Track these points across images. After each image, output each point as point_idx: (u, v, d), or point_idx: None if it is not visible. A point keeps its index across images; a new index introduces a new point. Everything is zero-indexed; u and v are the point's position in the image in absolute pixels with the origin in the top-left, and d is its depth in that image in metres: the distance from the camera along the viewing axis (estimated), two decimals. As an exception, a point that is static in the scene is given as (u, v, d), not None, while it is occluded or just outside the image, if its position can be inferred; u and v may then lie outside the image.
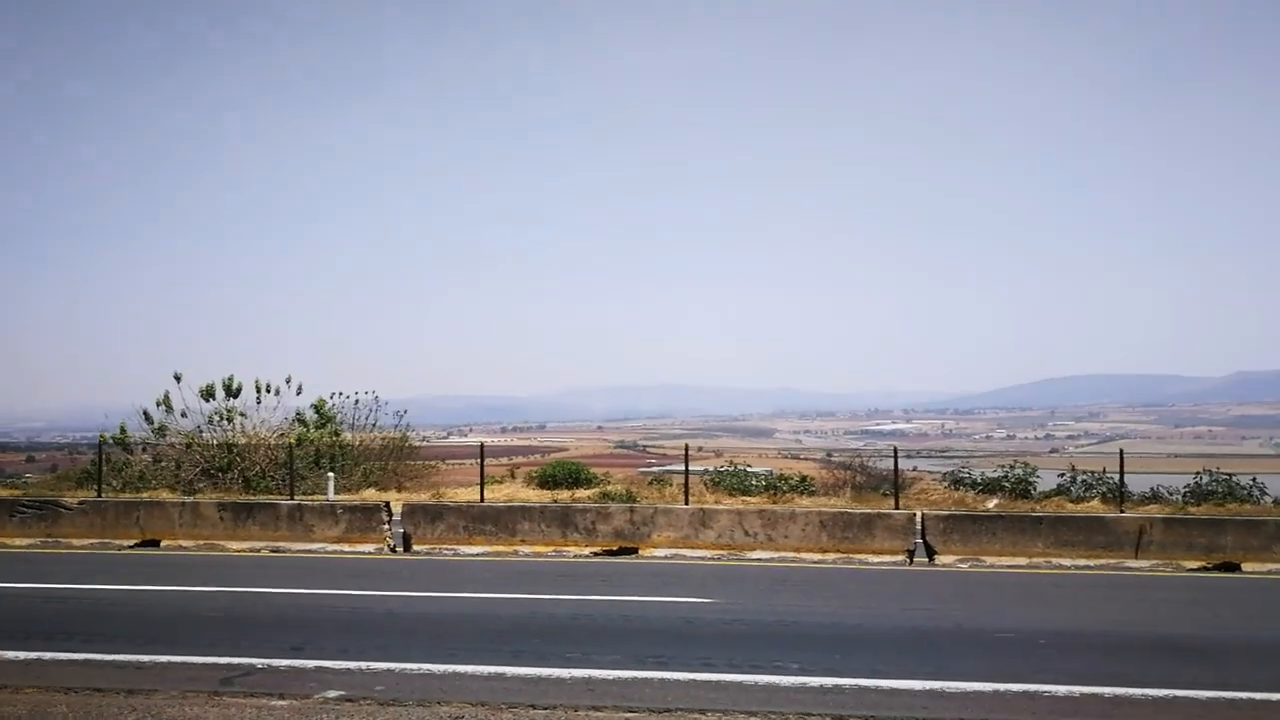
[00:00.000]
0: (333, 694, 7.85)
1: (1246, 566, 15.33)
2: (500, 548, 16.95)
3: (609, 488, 30.28)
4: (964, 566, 15.68)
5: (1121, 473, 21.09)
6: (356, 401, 38.06)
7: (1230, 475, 28.24)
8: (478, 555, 16.57)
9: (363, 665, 8.78)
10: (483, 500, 18.83)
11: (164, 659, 9.02)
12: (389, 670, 8.64)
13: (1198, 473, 28.53)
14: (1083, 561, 15.66)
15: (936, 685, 8.12)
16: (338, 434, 36.29)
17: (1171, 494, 28.44)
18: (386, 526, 17.47)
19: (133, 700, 7.62)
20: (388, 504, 18.19)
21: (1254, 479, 28.17)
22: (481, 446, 21.79)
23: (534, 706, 7.52)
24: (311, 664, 8.85)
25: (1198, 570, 15.28)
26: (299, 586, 13.39)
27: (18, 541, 18.03)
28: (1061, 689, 8.02)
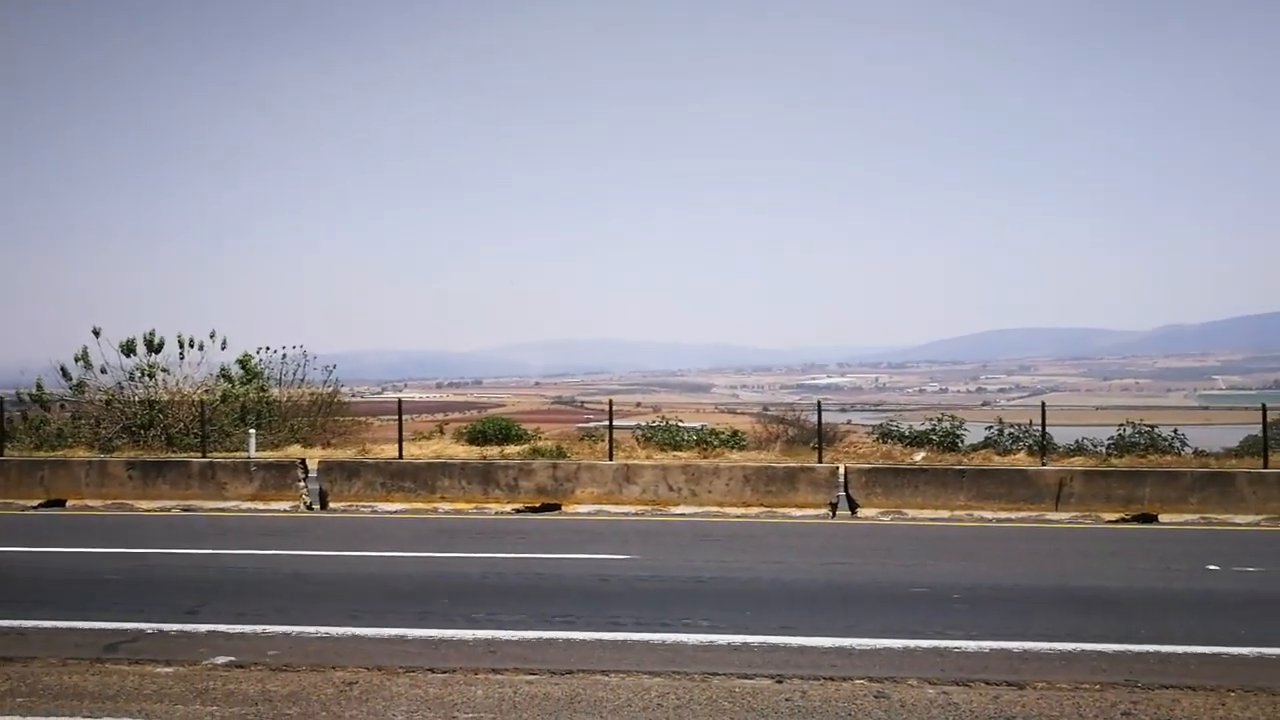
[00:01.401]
0: (222, 660, 7.53)
1: (1164, 518, 15.46)
2: (419, 505, 16.62)
3: (540, 444, 29.99)
4: (886, 519, 15.65)
5: (1044, 425, 21.23)
6: (284, 357, 37.37)
7: (1153, 427, 28.65)
8: (395, 513, 16.24)
9: (258, 629, 8.46)
10: (401, 456, 18.47)
11: (50, 625, 8.62)
12: (285, 634, 8.32)
13: (1121, 424, 28.93)
14: (1004, 514, 15.70)
15: (846, 642, 7.99)
16: (264, 390, 35.57)
17: (1096, 446, 28.82)
18: (302, 484, 17.04)
19: (8, 669, 7.26)
20: (303, 461, 17.75)
21: (1175, 430, 28.62)
22: (399, 402, 21.38)
23: (432, 670, 7.27)
24: (205, 628, 8.51)
25: (1116, 522, 15.39)
26: (204, 547, 12.98)
27: (-85, 503, 17.36)
28: (971, 644, 7.93)
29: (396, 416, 21.42)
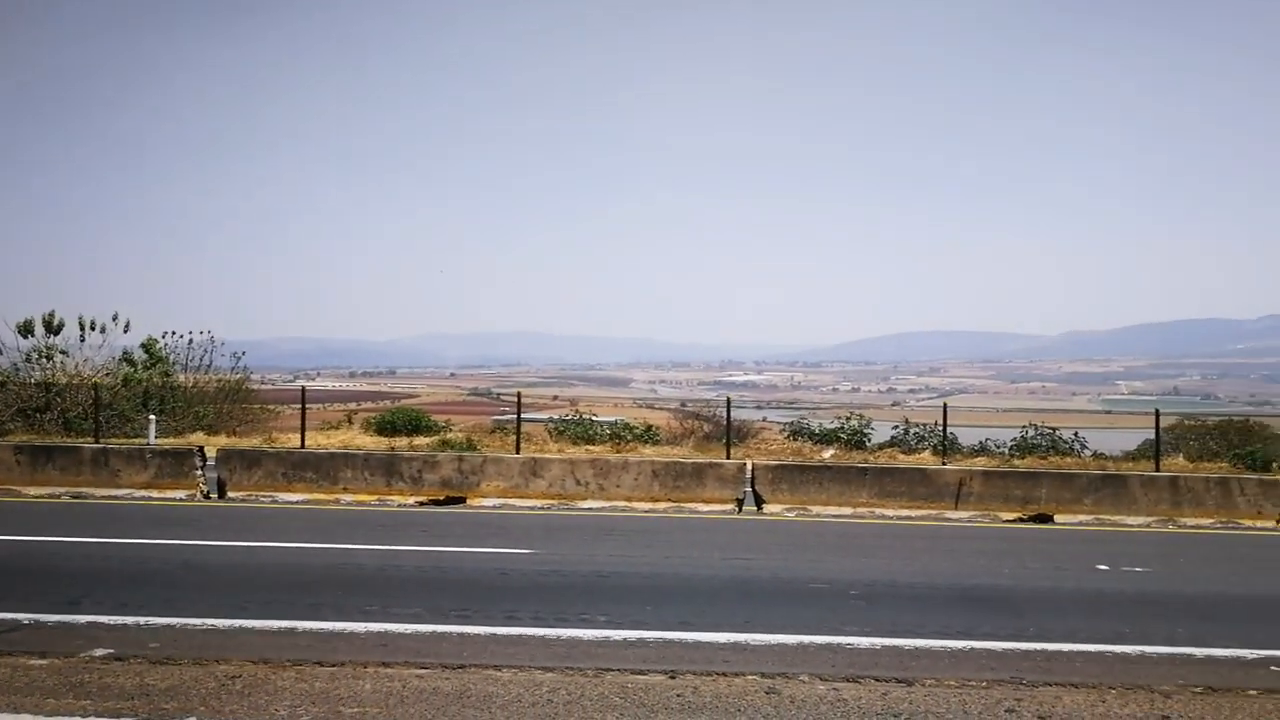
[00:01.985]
0: (100, 652, 7.27)
1: (1059, 518, 15.80)
2: (321, 496, 16.33)
3: (450, 436, 29.71)
4: (791, 516, 15.76)
5: (945, 426, 21.59)
6: (191, 342, 36.54)
7: (1055, 429, 29.32)
8: (296, 503, 15.94)
9: (141, 620, 8.19)
10: (304, 446, 18.14)
11: (-81, 616, 8.27)
12: (169, 626, 8.07)
13: (1024, 426, 29.57)
14: (905, 512, 15.91)
15: (742, 638, 7.99)
16: (169, 375, 34.75)
17: (999, 447, 29.41)
18: (200, 472, 16.64)
19: None
20: (201, 449, 17.33)
21: (1076, 433, 29.30)
22: (303, 390, 21.02)
23: (320, 664, 7.10)
24: (85, 619, 8.22)
25: (1013, 521, 15.69)
26: (92, 535, 12.58)
27: None
28: (865, 641, 7.98)
29: (309, 405, 21.04)
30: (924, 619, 8.82)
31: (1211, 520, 15.72)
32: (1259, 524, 15.71)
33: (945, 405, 20.81)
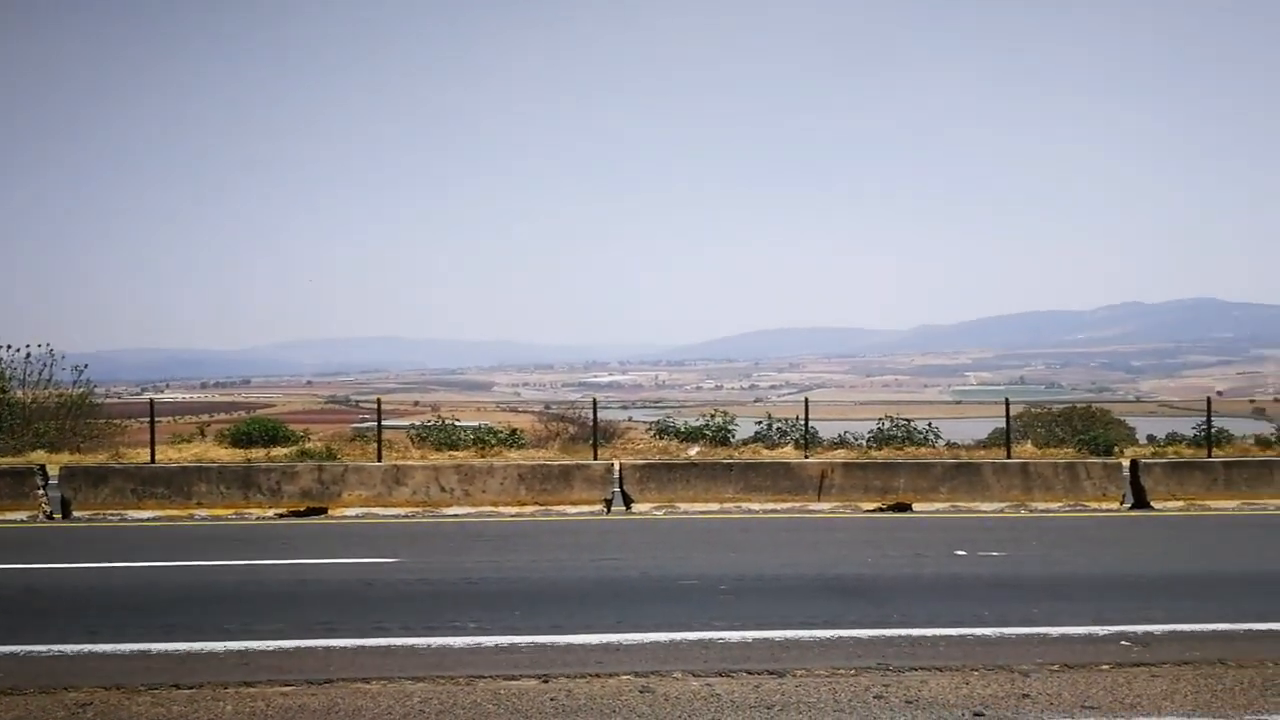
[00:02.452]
0: (-64, 686, 6.84)
1: (917, 507, 16.25)
2: (174, 512, 15.71)
3: (309, 445, 29.04)
4: (659, 514, 15.84)
5: (806, 420, 22.03)
6: (29, 356, 34.93)
7: (909, 421, 30.26)
8: (147, 521, 15.30)
9: (-20, 651, 7.75)
10: (154, 460, 17.44)
11: None
12: (11, 654, 7.64)
13: (880, 419, 30.43)
14: (770, 505, 16.15)
15: (614, 638, 7.98)
16: (4, 391, 33.15)
17: (857, 439, 30.21)
18: (41, 492, 15.83)
19: None
20: (43, 467, 16.49)
21: (930, 424, 30.29)
22: (151, 402, 20.25)
23: (178, 686, 6.83)
24: (-82, 652, 7.73)
25: (874, 511, 16.07)
26: (-75, 563, 11.87)
27: None
28: (735, 635, 8.05)
29: (157, 419, 20.24)
30: (792, 610, 8.95)
31: (1060, 504, 16.38)
32: (1104, 505, 16.43)
33: (807, 400, 21.24)
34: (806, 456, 19.21)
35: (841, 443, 29.42)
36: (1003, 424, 33.13)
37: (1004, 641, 7.93)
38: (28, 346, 34.86)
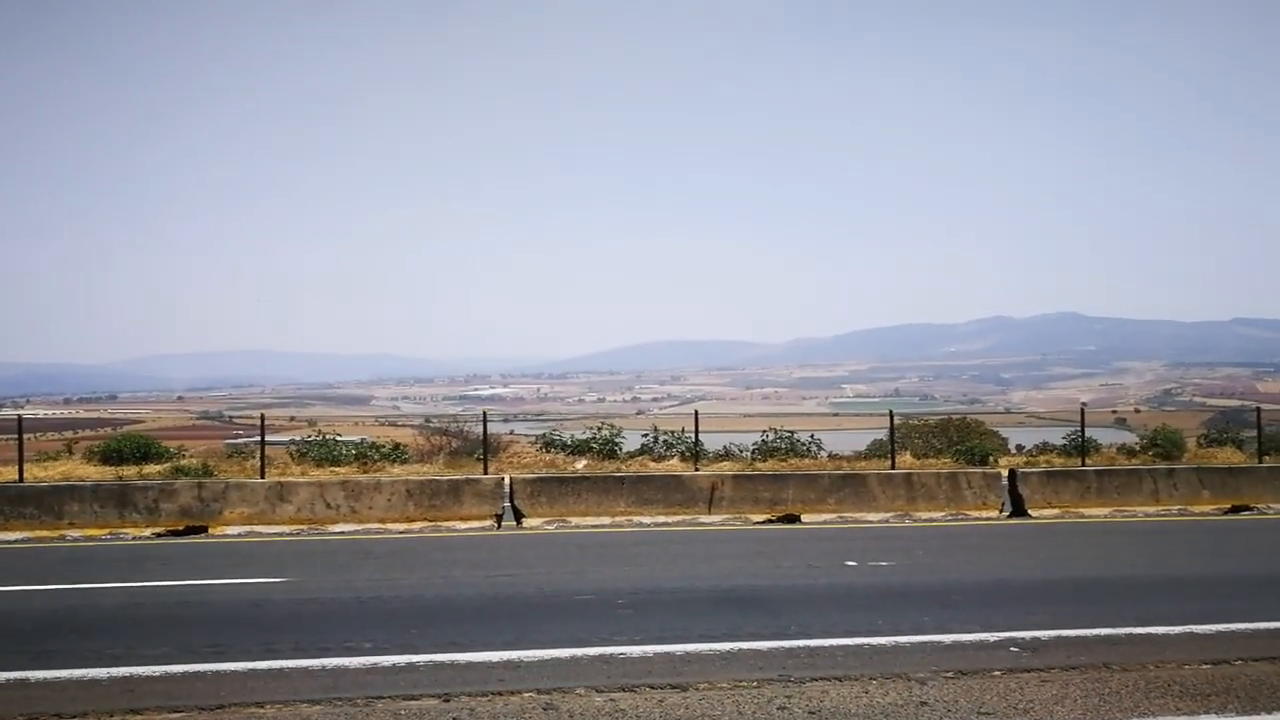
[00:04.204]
0: None
1: (806, 517, 16.51)
2: (44, 533, 15.07)
3: (183, 462, 28.06)
4: (551, 528, 15.78)
5: (696, 433, 22.16)
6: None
7: (793, 433, 30.59)
8: (14, 543, 14.64)
9: None
10: (22, 479, 16.70)
11: None
12: (-128, 689, 7.22)
13: (764, 431, 30.74)
14: (662, 518, 16.22)
15: (513, 655, 7.90)
16: None
17: (742, 451, 30.43)
18: (-102, 515, 15.03)
19: None
20: (-102, 489, 15.67)
21: (812, 435, 30.67)
22: (20, 418, 19.39)
23: (59, 716, 6.54)
24: None
25: (764, 523, 16.27)
26: None
27: None
28: (636, 649, 8.05)
29: (14, 436, 19.33)
30: (690, 624, 8.99)
31: (944, 513, 16.82)
32: (984, 514, 16.92)
33: (697, 413, 21.42)
34: (696, 469, 19.33)
35: (727, 455, 29.63)
36: (881, 435, 33.84)
37: (899, 650, 8.08)
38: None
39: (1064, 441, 30.78)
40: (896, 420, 23.64)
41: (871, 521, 16.40)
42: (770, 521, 16.36)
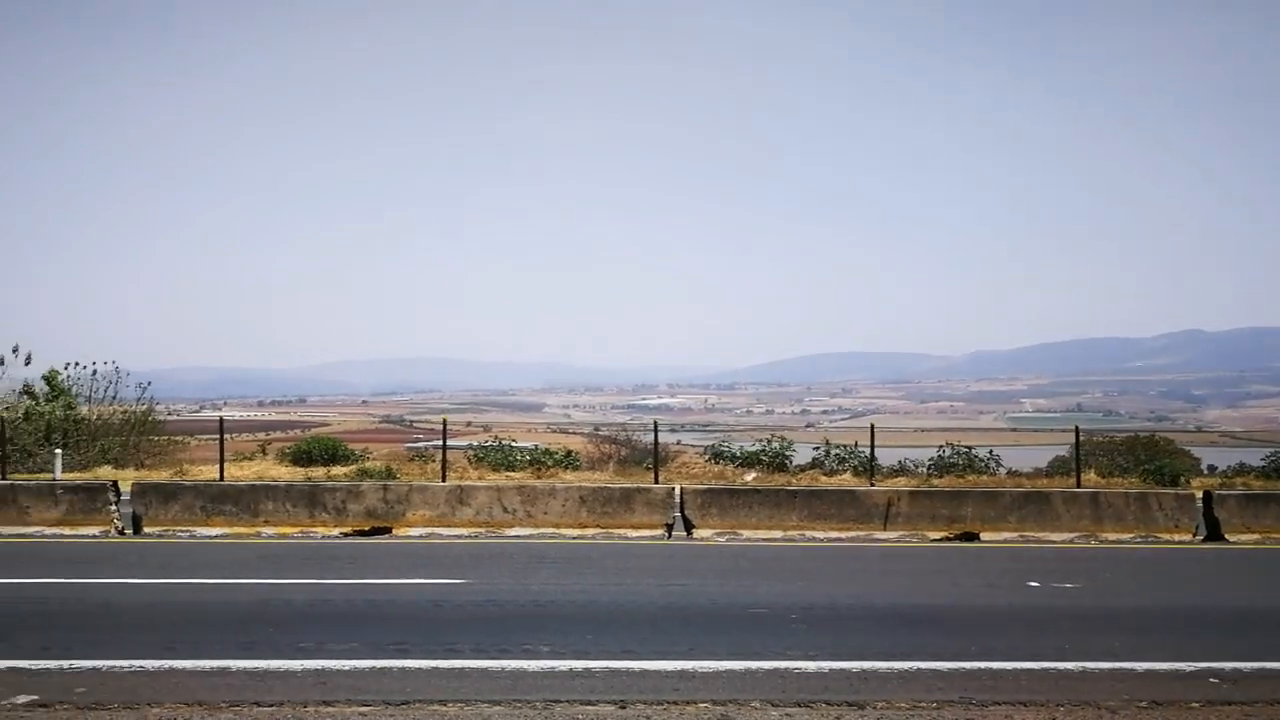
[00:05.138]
0: (23, 699, 6.93)
1: (985, 536, 16.03)
2: (242, 529, 15.89)
3: (368, 464, 29.28)
4: (721, 540, 15.76)
5: (872, 447, 21.81)
6: (95, 373, 35.56)
7: (970, 448, 29.89)
8: (216, 538, 15.48)
9: (64, 664, 7.84)
10: (222, 478, 17.65)
11: None
12: (94, 669, 7.73)
13: (940, 446, 30.08)
14: (835, 534, 16.00)
15: (688, 665, 7.92)
16: (72, 407, 33.76)
17: (917, 466, 29.88)
18: (114, 507, 16.09)
19: None
20: (115, 483, 16.76)
21: (991, 451, 29.91)
22: (221, 420, 20.53)
23: (258, 704, 6.86)
24: (4, 665, 7.83)
25: (941, 540, 15.87)
26: (3, 576, 12.06)
27: None
28: (811, 665, 7.96)
29: (215, 436, 20.51)
30: (867, 641, 8.84)
31: (1131, 535, 16.07)
32: (1176, 537, 16.10)
33: (873, 426, 21.07)
34: (871, 484, 19.02)
35: (901, 470, 29.16)
36: (1062, 451, 32.67)
37: (1087, 676, 7.76)
38: (94, 364, 35.50)
39: (1263, 463, 29.13)
40: (1080, 437, 22.76)
41: (1054, 541, 15.80)
42: (948, 539, 15.95)
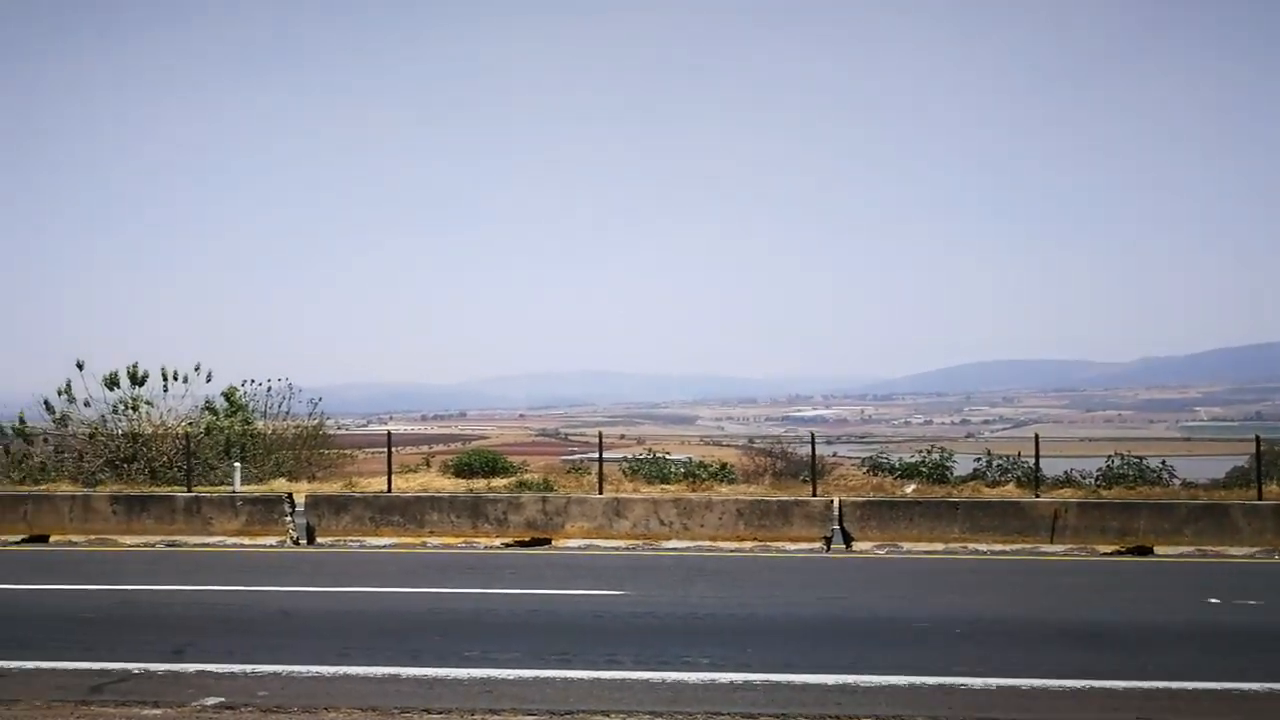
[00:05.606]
0: (211, 701, 7.32)
1: (1159, 549, 15.35)
2: (408, 539, 16.39)
3: (526, 476, 29.79)
4: (881, 553, 15.51)
5: (1037, 457, 21.16)
6: (269, 389, 37.10)
7: (1141, 459, 28.65)
8: (384, 547, 16.00)
9: (248, 668, 8.24)
10: (390, 490, 18.25)
11: (31, 665, 8.38)
12: (275, 674, 8.10)
13: (1109, 456, 28.91)
14: (999, 546, 15.57)
15: (850, 679, 7.82)
16: (249, 422, 35.27)
17: (1084, 478, 28.78)
18: (289, 518, 16.80)
19: (-10, 711, 7.03)
20: (290, 495, 17.52)
21: (1163, 462, 28.61)
22: (389, 435, 21.25)
23: (428, 711, 7.08)
24: (193, 668, 8.28)
25: (1112, 554, 15.27)
26: (189, 583, 12.72)
27: (-106, 539, 17.00)
28: (978, 681, 7.77)
29: (380, 449, 21.23)
30: (1036, 657, 8.58)
31: (1319, 550, 15.18)
32: (1371, 553, 15.13)
33: (1037, 436, 20.44)
34: (1037, 495, 18.43)
35: (1068, 481, 28.14)
36: (1241, 462, 31.01)
37: (1274, 697, 7.39)
38: (268, 380, 37.07)
39: None
40: (1262, 446, 21.56)
41: (1235, 556, 15.02)
42: (1119, 553, 15.34)
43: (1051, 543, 15.62)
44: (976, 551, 15.40)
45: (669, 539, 16.26)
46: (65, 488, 23.49)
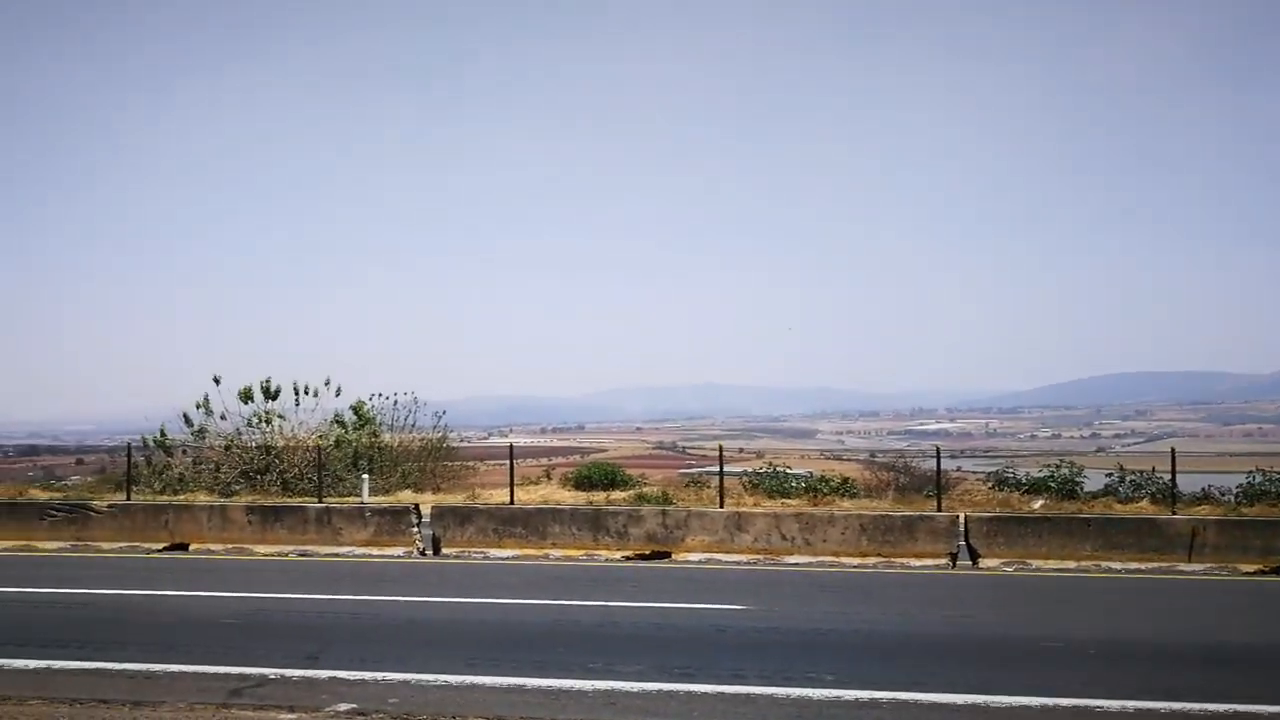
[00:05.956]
0: (344, 707, 7.51)
1: (1306, 570, 14.68)
2: (530, 551, 16.59)
3: (645, 489, 29.81)
4: (1009, 570, 15.15)
5: (1174, 472, 20.40)
6: (395, 403, 37.90)
7: (1285, 474, 27.40)
8: (507, 559, 16.22)
9: (378, 676, 8.43)
10: (512, 502, 18.47)
11: (175, 668, 8.73)
12: (405, 682, 8.28)
13: (1250, 472, 27.72)
14: (1133, 565, 15.07)
15: (980, 699, 7.65)
16: (376, 435, 36.13)
17: (1223, 494, 27.63)
18: (416, 529, 17.17)
19: (138, 712, 7.35)
20: (416, 506, 17.89)
21: (1312, 479, 27.30)
22: (511, 447, 21.50)
23: (553, 721, 7.16)
24: (325, 674, 8.52)
25: (1254, 574, 14.64)
26: (321, 592, 13.10)
27: (47, 545, 17.87)
28: (1114, 704, 7.52)
29: (501, 461, 21.51)
30: (1176, 681, 8.27)
31: None
32: None
33: (1174, 450, 19.75)
34: (1173, 513, 17.76)
35: (1206, 498, 27.02)
36: (1400, 480, 29.40)
37: None
38: (395, 394, 37.92)
39: None
40: None
41: (1391, 579, 14.27)
42: (1262, 572, 14.69)
43: (1189, 561, 15.05)
44: (1110, 570, 14.92)
45: (790, 554, 16.14)
46: (203, 498, 24.32)
